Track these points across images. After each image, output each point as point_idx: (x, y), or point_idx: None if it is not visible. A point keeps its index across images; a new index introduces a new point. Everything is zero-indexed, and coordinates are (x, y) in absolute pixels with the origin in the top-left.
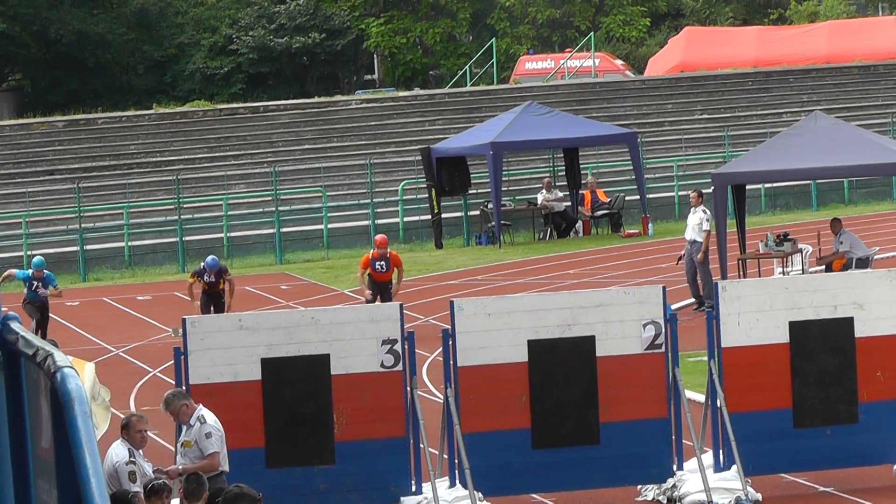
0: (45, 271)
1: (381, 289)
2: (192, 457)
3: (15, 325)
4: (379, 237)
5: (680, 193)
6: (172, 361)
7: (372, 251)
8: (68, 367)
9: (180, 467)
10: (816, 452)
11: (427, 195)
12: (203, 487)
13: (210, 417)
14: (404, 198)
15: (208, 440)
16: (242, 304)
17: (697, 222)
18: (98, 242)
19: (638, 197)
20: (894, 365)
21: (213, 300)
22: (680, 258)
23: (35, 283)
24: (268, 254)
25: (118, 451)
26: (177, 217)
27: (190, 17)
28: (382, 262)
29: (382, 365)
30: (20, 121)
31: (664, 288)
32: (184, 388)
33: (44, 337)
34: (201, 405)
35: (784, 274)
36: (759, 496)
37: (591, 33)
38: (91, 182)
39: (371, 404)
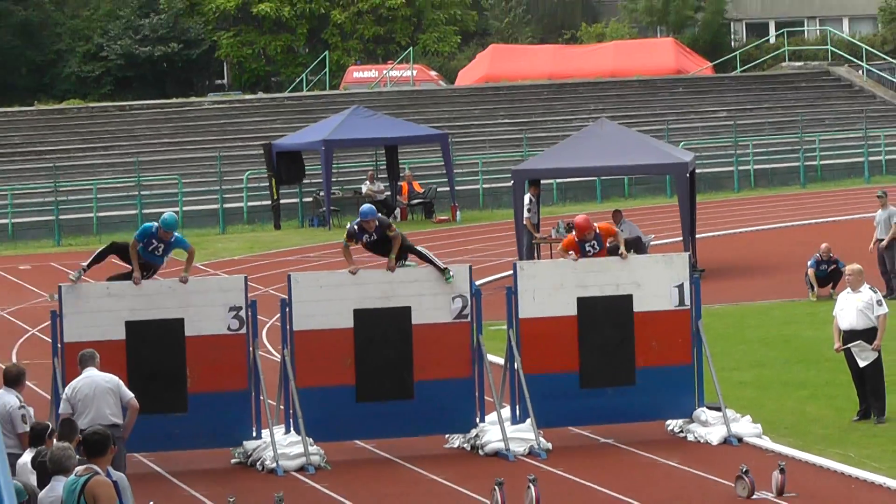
0: (176, 234)
1: None
2: None
3: None
4: (580, 218)
5: (484, 186)
6: (49, 322)
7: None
8: None
9: None
10: (599, 409)
11: (268, 184)
12: (74, 432)
13: (73, 383)
14: (249, 185)
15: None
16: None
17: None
18: None
19: (448, 189)
20: (666, 336)
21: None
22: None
23: (156, 242)
24: (132, 232)
25: (8, 398)
26: (53, 199)
27: (67, 27)
28: (594, 243)
29: (229, 328)
30: None
31: (470, 267)
32: (59, 345)
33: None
34: (89, 369)
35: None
36: (549, 445)
37: (410, 48)
38: None
39: (219, 362)
